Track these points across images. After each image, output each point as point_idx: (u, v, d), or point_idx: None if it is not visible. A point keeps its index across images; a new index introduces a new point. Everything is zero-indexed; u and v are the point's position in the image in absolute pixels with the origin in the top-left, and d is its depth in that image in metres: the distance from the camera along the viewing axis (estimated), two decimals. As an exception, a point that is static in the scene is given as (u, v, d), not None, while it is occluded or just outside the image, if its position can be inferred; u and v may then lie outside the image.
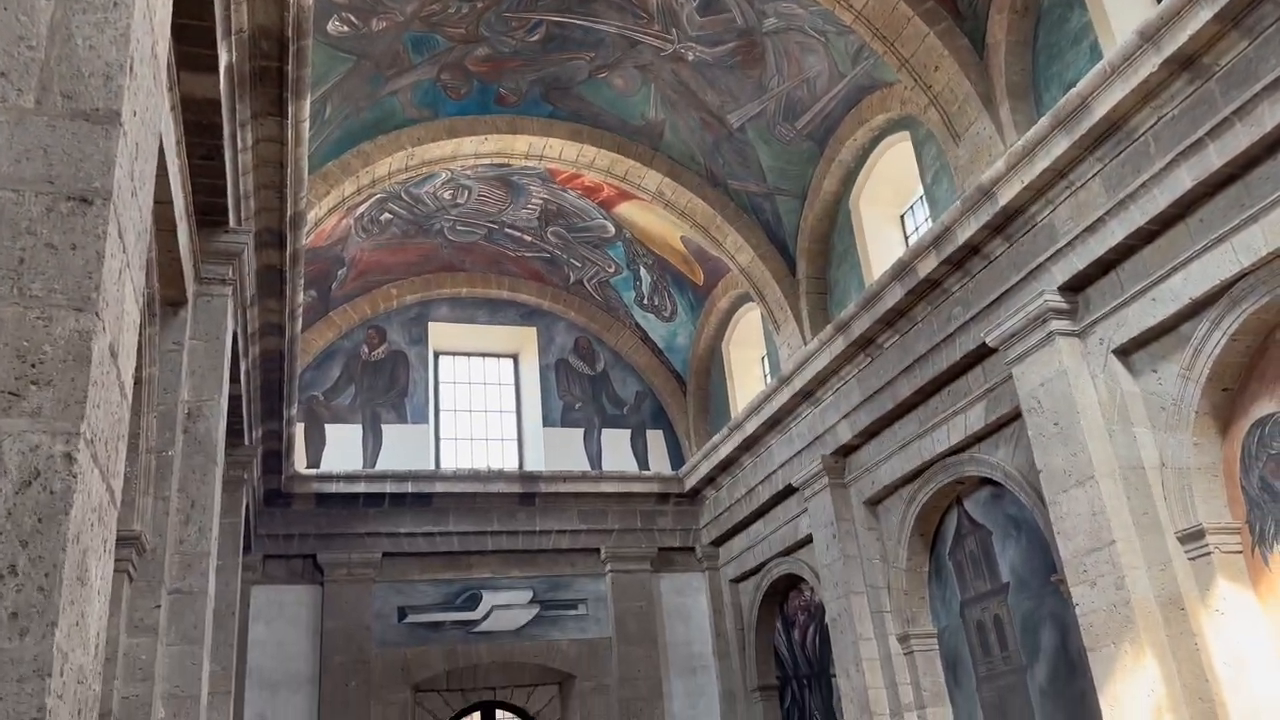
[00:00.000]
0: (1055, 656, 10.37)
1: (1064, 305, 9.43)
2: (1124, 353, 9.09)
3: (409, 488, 16.13)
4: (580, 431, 18.14)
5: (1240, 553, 8.24)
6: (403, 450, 16.72)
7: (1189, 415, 8.49)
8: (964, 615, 11.86)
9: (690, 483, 17.51)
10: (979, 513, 11.70)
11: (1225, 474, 8.44)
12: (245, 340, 10.08)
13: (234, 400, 10.48)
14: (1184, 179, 8.02)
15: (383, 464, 16.47)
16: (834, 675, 13.65)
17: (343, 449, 16.45)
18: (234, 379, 10.11)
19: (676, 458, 18.30)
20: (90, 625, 2.94)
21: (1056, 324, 9.42)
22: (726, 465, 16.48)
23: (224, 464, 10.11)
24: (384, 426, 16.89)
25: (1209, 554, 8.25)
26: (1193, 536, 8.36)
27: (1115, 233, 8.73)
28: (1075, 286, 9.40)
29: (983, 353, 10.66)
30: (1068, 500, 9.18)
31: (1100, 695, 8.75)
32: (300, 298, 10.59)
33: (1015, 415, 10.31)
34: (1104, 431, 9.06)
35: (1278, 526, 7.99)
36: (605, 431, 18.28)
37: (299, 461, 15.78)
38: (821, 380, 13.43)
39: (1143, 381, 9.02)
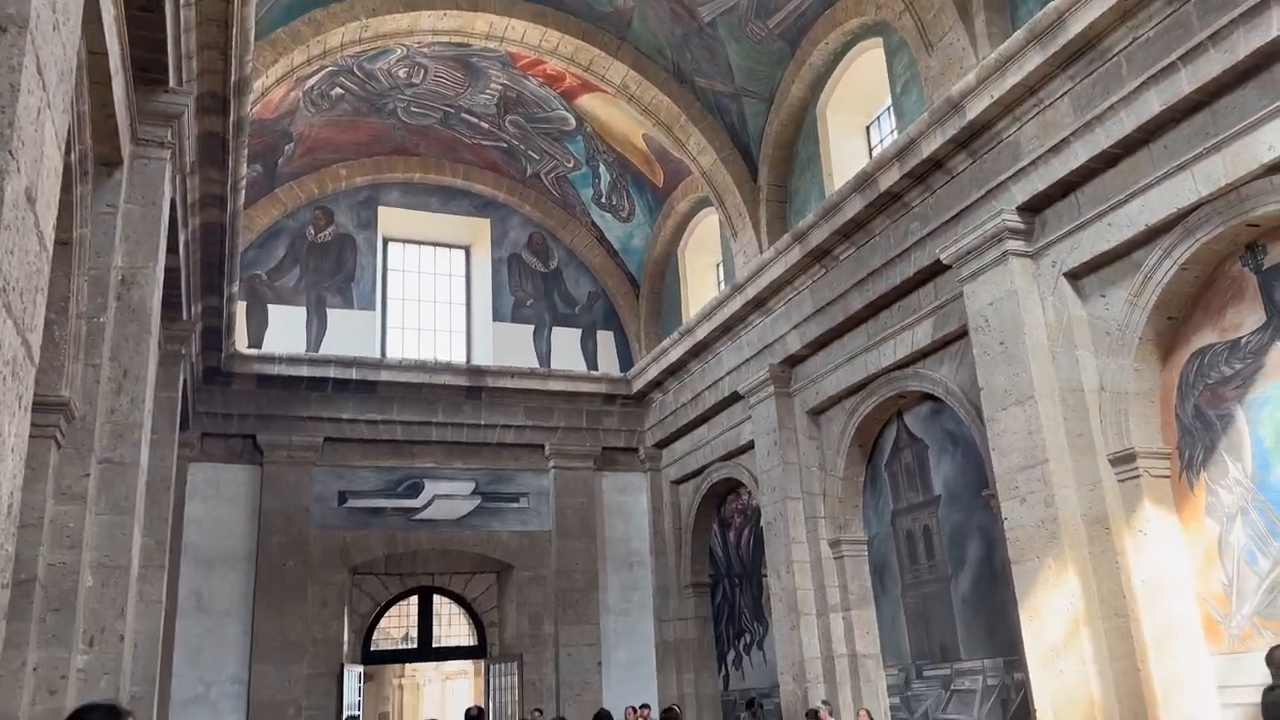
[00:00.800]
0: (979, 568, 10.71)
1: (1021, 225, 9.42)
2: (1075, 276, 9.15)
3: (353, 374, 15.93)
4: (530, 328, 18.00)
5: (1168, 477, 8.49)
6: (348, 336, 16.46)
7: (1132, 341, 8.61)
8: (895, 524, 12.17)
9: (638, 385, 17.55)
10: (918, 427, 11.91)
11: (1162, 400, 8.62)
12: (185, 210, 9.69)
13: (172, 272, 10.15)
14: (1152, 103, 7.95)
15: (326, 348, 16.21)
16: (765, 575, 14.01)
17: (285, 331, 16.13)
18: (172, 250, 9.76)
19: (626, 360, 18.29)
20: (2, 484, 2.81)
21: (1011, 244, 9.43)
22: (675, 369, 16.52)
23: (160, 336, 9.83)
24: (329, 310, 16.56)
25: (1138, 477, 8.49)
26: (1124, 459, 8.58)
27: (1079, 154, 8.67)
28: (1034, 207, 9.38)
29: (936, 270, 10.66)
30: (1006, 418, 9.34)
31: (1020, 606, 9.07)
32: (244, 169, 10.17)
33: (962, 333, 10.39)
34: (1048, 353, 9.17)
35: (1206, 453, 8.22)
36: (555, 330, 18.17)
37: (240, 340, 15.45)
38: (775, 290, 13.39)
39: (1090, 306, 9.10)
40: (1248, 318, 7.94)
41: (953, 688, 10.97)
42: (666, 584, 17.05)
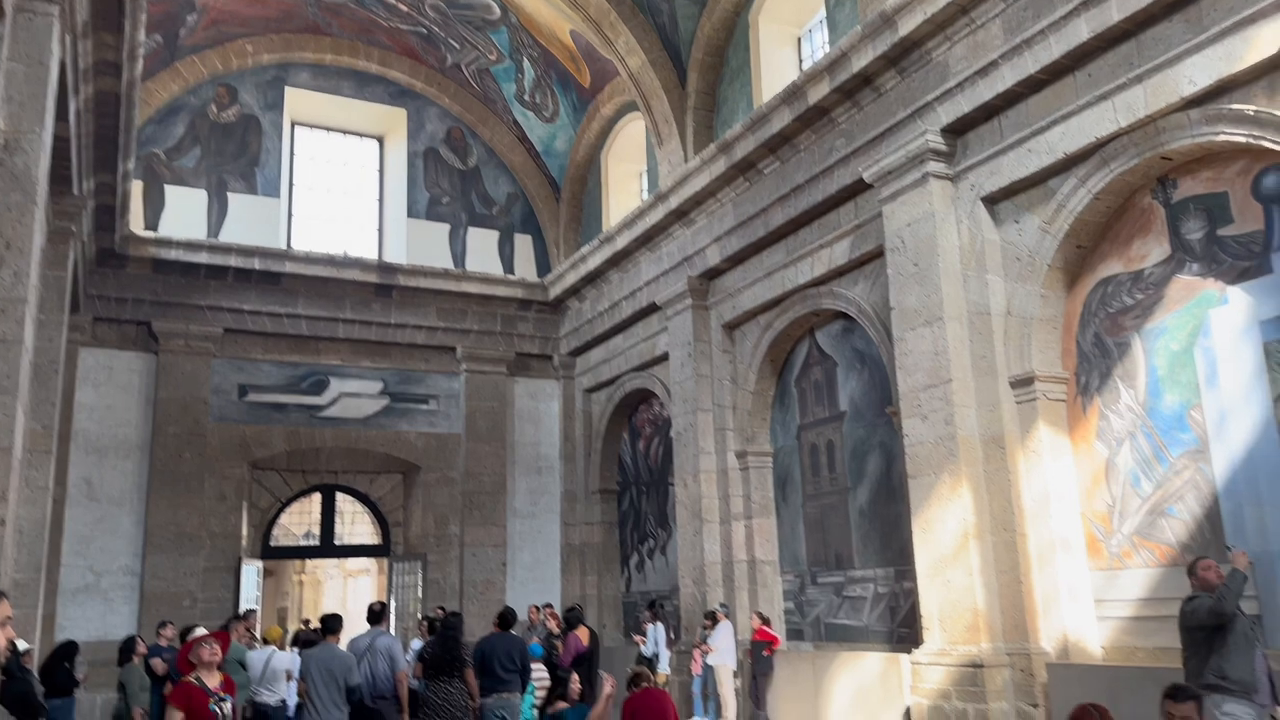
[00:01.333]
0: (878, 482, 11.04)
1: (943, 147, 9.46)
2: (992, 201, 9.27)
3: (256, 264, 15.32)
4: (445, 227, 17.54)
5: (1064, 401, 8.81)
6: (250, 223, 15.77)
7: (1042, 268, 8.81)
8: (800, 438, 12.43)
9: (555, 291, 17.36)
10: (829, 344, 12.08)
11: (1064, 327, 8.89)
12: (76, 76, 9.02)
13: (62, 143, 9.51)
14: (1081, 30, 7.98)
15: (227, 235, 15.53)
16: (672, 484, 14.23)
17: (184, 214, 15.35)
18: (62, 118, 9.12)
19: (543, 265, 18.03)
20: None
21: (933, 165, 9.48)
22: (593, 278, 16.37)
23: (48, 210, 9.25)
24: (230, 195, 15.80)
25: (1035, 400, 8.78)
26: (1023, 382, 8.85)
27: (1005, 78, 8.69)
28: (957, 130, 9.41)
29: (857, 188, 10.68)
30: (914, 338, 9.53)
31: (914, 519, 9.40)
32: (141, 36, 9.46)
33: (878, 253, 10.48)
34: (959, 276, 9.33)
35: (1102, 379, 8.55)
36: (472, 230, 17.75)
37: (135, 222, 14.68)
38: (698, 201, 13.28)
39: (1004, 231, 9.26)
40: (1153, 250, 8.18)
41: (845, 594, 11.41)
42: (574, 489, 17.20)
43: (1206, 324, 7.72)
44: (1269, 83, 7.00)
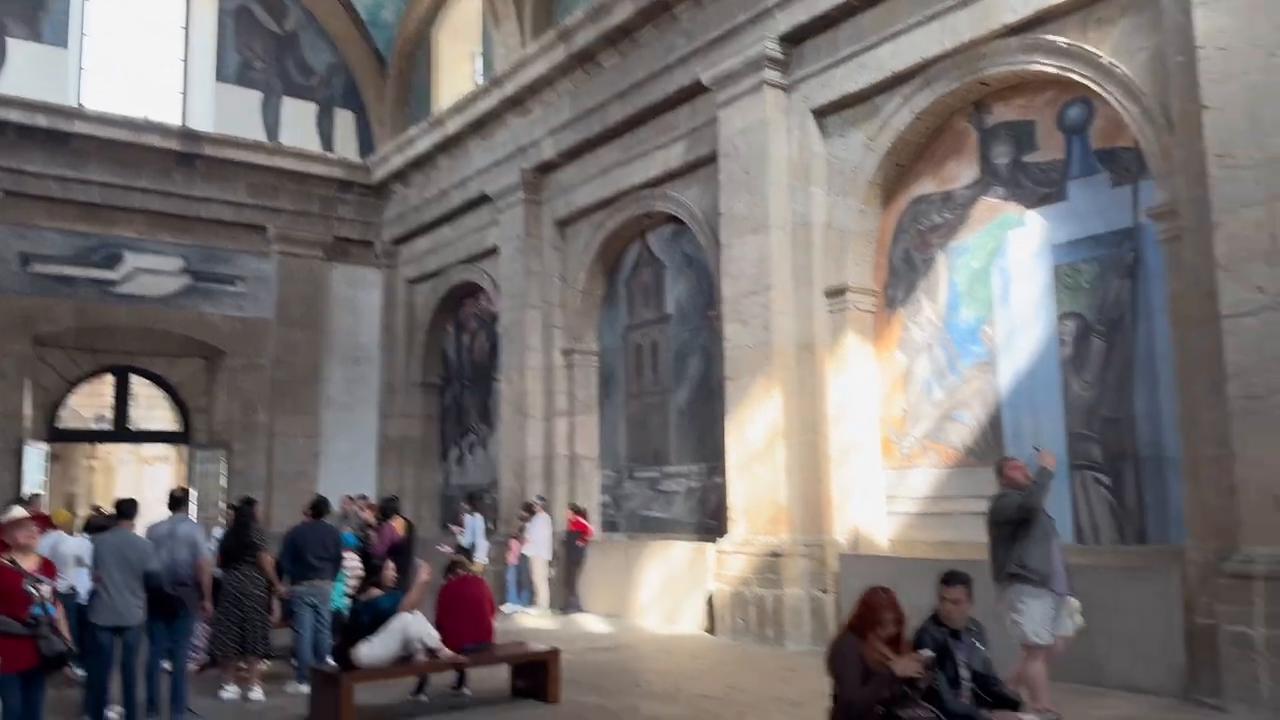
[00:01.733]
0: (698, 383, 11.38)
1: (780, 55, 9.54)
2: (821, 114, 9.47)
3: (41, 121, 13.83)
4: (258, 95, 16.31)
5: (872, 313, 9.29)
6: (34, 75, 14.13)
7: (862, 183, 9.14)
8: (626, 339, 12.59)
9: (379, 174, 16.59)
10: (659, 248, 12.19)
11: (879, 242, 9.31)
12: None
13: None
14: (918, -51, 8.16)
15: (7, 87, 13.87)
16: (496, 379, 14.16)
17: (-48, 57, 13.59)
18: None
19: (366, 145, 17.13)
20: None
21: (769, 73, 9.56)
22: (421, 163, 15.72)
23: None
24: (10, 41, 14.07)
25: (845, 310, 9.22)
26: (836, 293, 9.26)
27: (844, -11, 8.81)
28: (794, 39, 9.49)
29: (695, 90, 10.66)
30: (740, 245, 9.74)
31: (727, 419, 9.79)
32: None
33: (712, 159, 10.54)
34: (786, 186, 9.55)
35: (907, 293, 9.05)
36: (287, 100, 16.59)
37: (-111, 61, 12.87)
38: (534, 90, 12.90)
39: (830, 144, 9.50)
40: (964, 172, 8.64)
41: (659, 488, 11.82)
42: (394, 381, 16.81)
43: (1005, 245, 8.28)
44: (1083, 17, 7.41)
